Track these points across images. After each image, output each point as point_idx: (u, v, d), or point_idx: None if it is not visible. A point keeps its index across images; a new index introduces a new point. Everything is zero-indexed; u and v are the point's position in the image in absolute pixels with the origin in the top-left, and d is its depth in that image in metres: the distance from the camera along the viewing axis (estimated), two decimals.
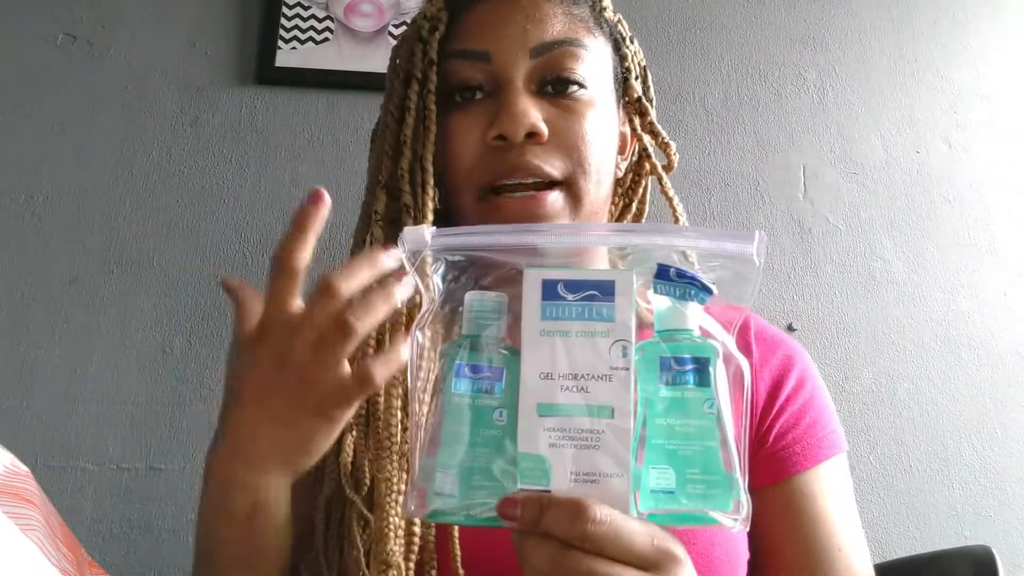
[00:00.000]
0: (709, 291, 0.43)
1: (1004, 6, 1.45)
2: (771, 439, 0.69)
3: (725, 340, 0.44)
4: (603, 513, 0.40)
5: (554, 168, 0.64)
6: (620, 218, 0.83)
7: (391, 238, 0.66)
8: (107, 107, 1.29)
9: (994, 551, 0.76)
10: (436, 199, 0.67)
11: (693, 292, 0.43)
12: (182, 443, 1.16)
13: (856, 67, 1.40)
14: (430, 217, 0.65)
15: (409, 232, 0.45)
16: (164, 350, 1.20)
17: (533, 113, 0.64)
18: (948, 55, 1.42)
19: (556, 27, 0.67)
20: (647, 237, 0.45)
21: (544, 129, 0.64)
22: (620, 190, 0.81)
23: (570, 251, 0.46)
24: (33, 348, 1.18)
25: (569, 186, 0.65)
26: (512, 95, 0.64)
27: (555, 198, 0.64)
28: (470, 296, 0.44)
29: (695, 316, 0.44)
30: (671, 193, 0.76)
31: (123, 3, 1.34)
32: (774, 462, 0.68)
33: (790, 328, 1.27)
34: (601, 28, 0.72)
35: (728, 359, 0.44)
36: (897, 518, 1.20)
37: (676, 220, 0.75)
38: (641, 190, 0.81)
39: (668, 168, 0.79)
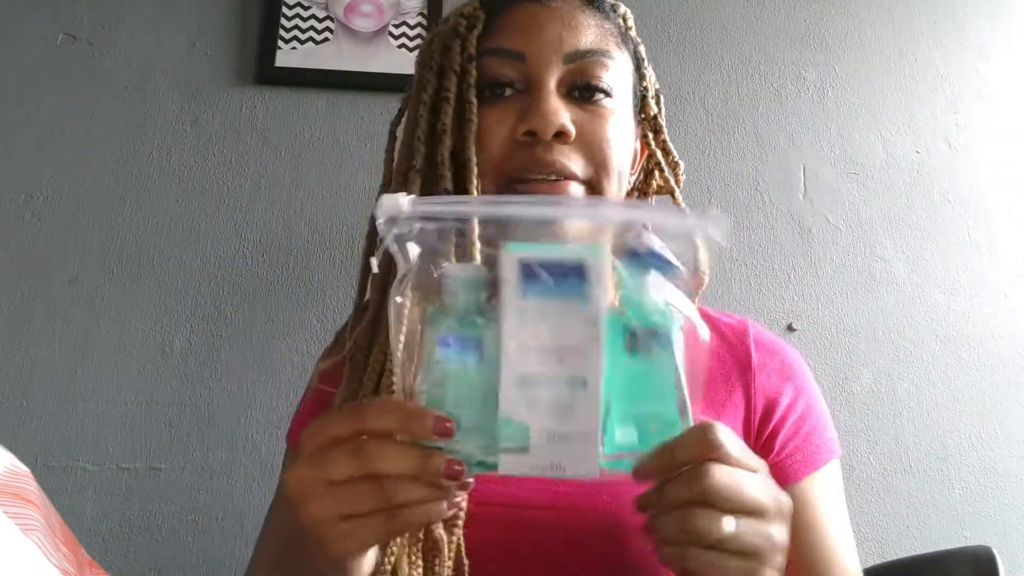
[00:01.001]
0: (672, 266, 0.47)
1: (1004, 6, 1.45)
2: (775, 449, 0.70)
3: (689, 311, 0.47)
4: (722, 470, 0.44)
5: (577, 167, 0.67)
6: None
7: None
8: (107, 107, 1.29)
9: (995, 551, 0.76)
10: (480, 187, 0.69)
11: (659, 266, 0.47)
12: (182, 443, 1.16)
13: (856, 67, 1.40)
14: None
15: (386, 199, 0.47)
16: (164, 350, 1.20)
17: (563, 113, 0.67)
18: (948, 55, 1.42)
19: (589, 36, 0.70)
20: (619, 211, 0.49)
21: (572, 129, 0.67)
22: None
23: (544, 223, 0.48)
24: (33, 348, 1.18)
25: (591, 185, 0.68)
26: (544, 94, 0.67)
27: (576, 187, 0.67)
28: (452, 268, 0.47)
29: (659, 288, 0.47)
30: (683, 206, 0.79)
31: (123, 3, 1.34)
32: (776, 472, 0.69)
33: (790, 328, 1.27)
34: (627, 45, 0.75)
35: (690, 329, 0.47)
36: (897, 518, 1.20)
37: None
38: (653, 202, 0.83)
39: (675, 185, 0.82)
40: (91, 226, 1.24)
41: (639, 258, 0.47)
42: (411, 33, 1.34)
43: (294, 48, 1.31)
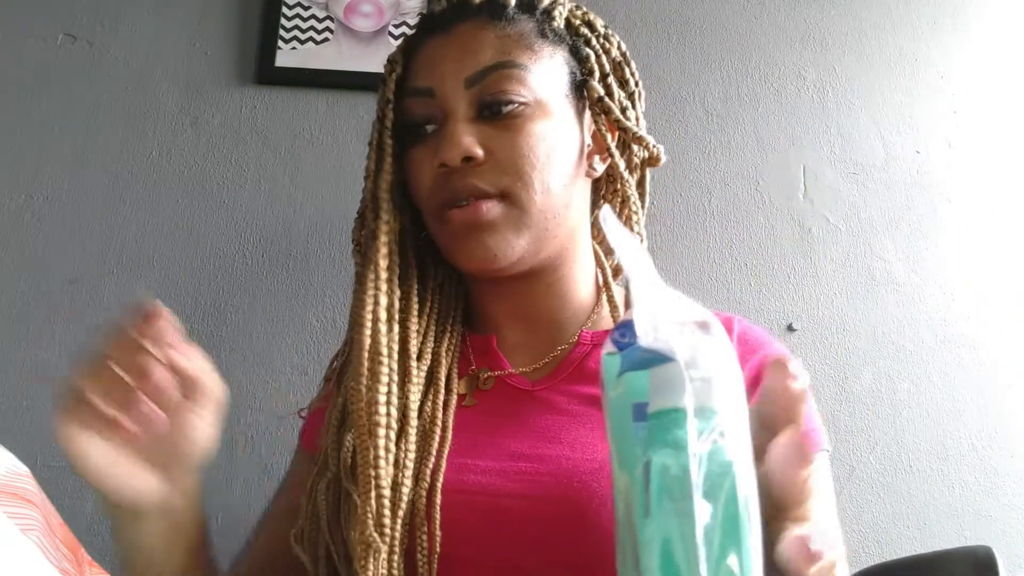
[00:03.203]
0: None
1: (1004, 6, 1.45)
2: None
3: None
4: None
5: (492, 185, 0.70)
6: (621, 208, 0.84)
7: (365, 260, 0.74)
8: (107, 107, 1.29)
9: (995, 551, 0.76)
10: (399, 221, 0.75)
11: None
12: None
13: (856, 67, 1.40)
14: (384, 239, 0.72)
15: None
16: None
17: (466, 140, 0.70)
18: (948, 55, 1.42)
19: (488, 54, 0.72)
20: None
21: (478, 152, 0.70)
22: (611, 187, 0.83)
23: None
24: (33, 348, 1.18)
25: (509, 197, 0.70)
26: (450, 125, 0.71)
27: (491, 206, 0.70)
28: None
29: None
30: (628, 192, 0.79)
31: (123, 3, 1.34)
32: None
33: (790, 328, 1.27)
34: (547, 39, 0.75)
35: None
36: (897, 518, 1.20)
37: (631, 227, 0.79)
38: (635, 182, 0.83)
39: (654, 161, 0.81)
40: (91, 226, 1.24)
41: None
42: (411, 33, 1.34)
43: (294, 48, 1.31)
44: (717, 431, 0.39)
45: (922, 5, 1.44)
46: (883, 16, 1.43)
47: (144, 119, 1.29)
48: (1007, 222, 1.35)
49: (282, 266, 1.24)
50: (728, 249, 1.30)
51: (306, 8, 1.33)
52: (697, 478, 0.37)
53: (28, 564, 0.39)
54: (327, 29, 1.33)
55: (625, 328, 0.42)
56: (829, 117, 1.37)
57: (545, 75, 0.73)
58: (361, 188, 0.80)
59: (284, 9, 1.32)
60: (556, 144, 0.72)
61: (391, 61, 0.78)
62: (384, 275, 0.70)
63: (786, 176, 1.34)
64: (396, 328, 0.70)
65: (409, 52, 0.77)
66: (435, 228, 0.75)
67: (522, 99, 0.71)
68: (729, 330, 0.76)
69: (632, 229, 0.78)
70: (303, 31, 1.32)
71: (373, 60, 1.32)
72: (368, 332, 0.68)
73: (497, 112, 0.71)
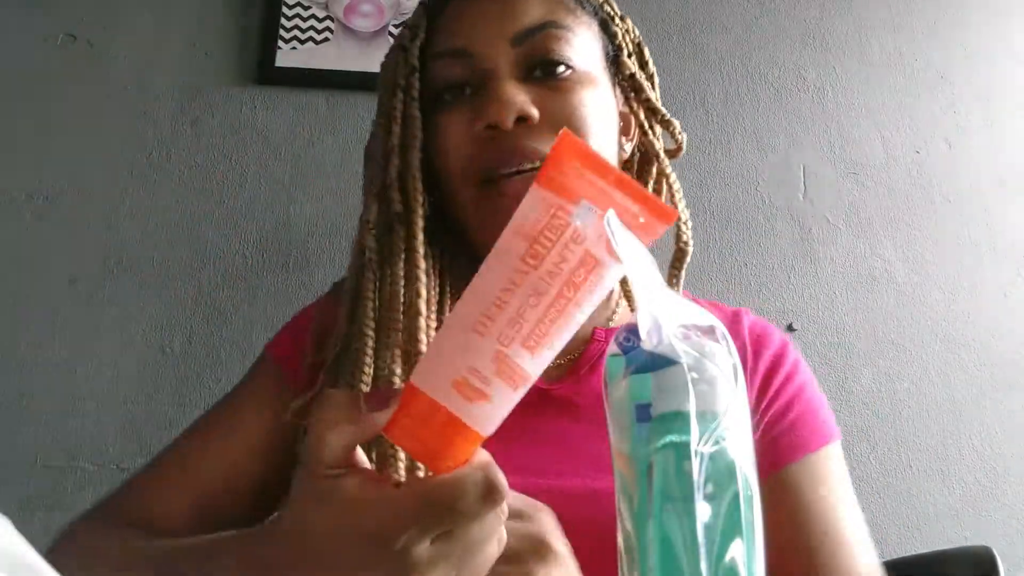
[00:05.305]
0: None
1: (1004, 6, 1.45)
2: (761, 431, 0.70)
3: None
4: None
5: (550, 148, 0.64)
6: (658, 187, 0.78)
7: (385, 247, 0.66)
8: (107, 107, 1.29)
9: (994, 551, 0.76)
10: (426, 205, 0.67)
11: None
12: None
13: (856, 67, 1.40)
14: (420, 223, 0.65)
15: None
16: (164, 350, 1.20)
17: (520, 98, 0.63)
18: (948, 55, 1.42)
19: (535, 12, 0.67)
20: None
21: (534, 112, 0.63)
22: (630, 173, 0.78)
23: None
24: (33, 348, 1.18)
25: None
26: (496, 83, 0.64)
27: None
28: None
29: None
30: (668, 171, 0.73)
31: (123, 3, 1.33)
32: (765, 455, 0.68)
33: (790, 328, 1.27)
34: (584, 8, 0.71)
35: None
36: (897, 518, 1.20)
37: (674, 204, 0.72)
38: (655, 171, 0.76)
39: (676, 152, 0.77)
40: (91, 226, 1.24)
41: None
42: None
43: (294, 48, 1.31)
44: (719, 433, 0.39)
45: (922, 5, 1.44)
46: (883, 16, 1.43)
47: (144, 119, 1.29)
48: (1006, 222, 1.35)
49: (282, 266, 1.24)
50: (728, 249, 1.30)
51: (306, 8, 1.33)
52: (699, 480, 0.37)
53: (31, 564, 0.39)
54: (327, 29, 1.33)
55: (629, 331, 0.42)
56: (829, 117, 1.37)
57: (586, 42, 0.69)
58: (379, 170, 0.69)
59: (284, 9, 1.32)
60: (601, 113, 0.68)
61: (412, 27, 0.71)
62: (422, 264, 0.63)
63: (786, 176, 1.34)
64: (434, 322, 0.63)
65: (432, 17, 0.71)
66: (471, 199, 0.66)
67: (571, 61, 0.66)
68: (739, 322, 0.76)
69: (677, 206, 0.73)
70: (303, 31, 1.32)
71: (373, 60, 1.31)
72: (403, 324, 0.61)
73: (548, 72, 0.66)
